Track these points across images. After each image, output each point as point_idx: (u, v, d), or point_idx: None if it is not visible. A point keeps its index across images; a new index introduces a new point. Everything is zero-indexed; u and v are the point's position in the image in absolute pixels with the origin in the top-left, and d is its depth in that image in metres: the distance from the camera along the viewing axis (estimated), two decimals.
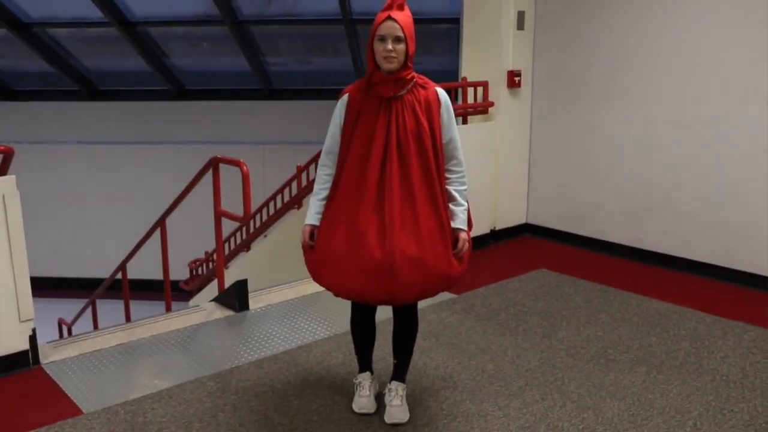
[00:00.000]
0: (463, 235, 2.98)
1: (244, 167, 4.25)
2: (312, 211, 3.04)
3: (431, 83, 2.97)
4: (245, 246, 7.91)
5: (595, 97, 5.71)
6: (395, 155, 2.84)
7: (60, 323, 8.56)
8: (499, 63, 5.85)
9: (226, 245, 8.54)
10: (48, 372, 3.72)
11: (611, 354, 3.88)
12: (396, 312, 3.17)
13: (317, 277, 3.04)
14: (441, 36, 9.83)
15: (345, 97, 2.97)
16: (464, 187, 3.02)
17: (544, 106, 6.10)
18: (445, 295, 4.78)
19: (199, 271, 9.00)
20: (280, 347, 4.00)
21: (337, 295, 3.01)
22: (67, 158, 11.65)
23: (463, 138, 5.65)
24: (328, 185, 3.00)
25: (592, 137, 5.78)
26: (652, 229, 5.49)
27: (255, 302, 4.65)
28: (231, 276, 5.11)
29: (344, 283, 2.92)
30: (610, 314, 4.46)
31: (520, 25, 5.87)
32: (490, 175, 5.94)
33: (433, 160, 2.88)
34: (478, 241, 5.91)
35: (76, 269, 11.59)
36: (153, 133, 11.51)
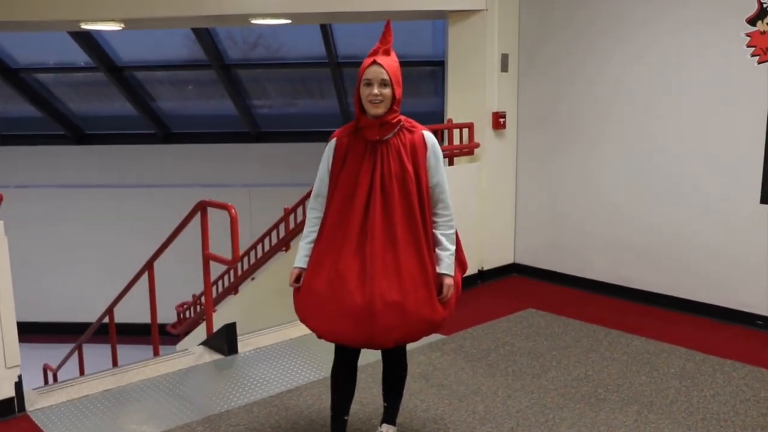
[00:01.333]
0: (448, 281, 2.95)
1: (233, 211, 4.27)
2: (300, 253, 3.04)
3: (419, 126, 2.98)
4: (233, 289, 7.87)
5: (579, 137, 5.80)
6: (379, 199, 2.85)
7: (45, 369, 8.45)
8: (484, 105, 5.93)
9: (214, 288, 8.51)
10: (34, 419, 3.67)
11: (602, 393, 3.88)
12: (384, 355, 3.15)
13: (302, 318, 3.03)
14: (426, 78, 9.97)
15: (333, 141, 2.99)
16: (451, 231, 3.00)
17: (529, 147, 6.17)
18: (434, 336, 4.77)
19: (187, 315, 8.93)
20: (269, 391, 3.97)
21: (319, 336, 2.98)
22: (54, 202, 11.60)
23: (449, 179, 5.68)
24: (317, 228, 3.00)
25: (577, 177, 5.85)
26: (639, 267, 5.52)
27: (244, 345, 4.62)
28: (219, 319, 5.08)
29: (325, 325, 2.91)
30: (600, 353, 4.47)
31: (504, 68, 5.97)
32: (476, 215, 5.98)
33: (417, 204, 2.88)
34: (466, 282, 5.91)
35: (62, 314, 11.45)
36: (140, 177, 11.51)
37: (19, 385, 3.73)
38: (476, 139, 5.96)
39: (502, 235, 6.30)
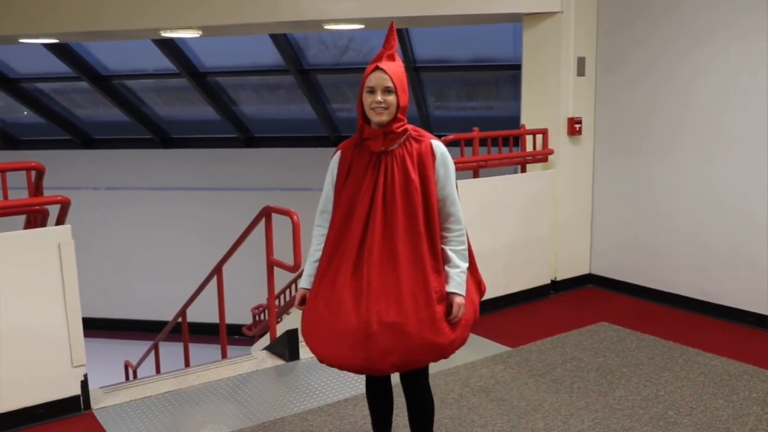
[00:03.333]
0: (458, 299, 2.71)
1: (295, 217, 4.26)
2: (305, 274, 2.93)
3: (427, 135, 2.79)
4: None
5: (660, 144, 5.53)
6: (380, 214, 2.69)
7: (126, 366, 8.73)
8: (559, 110, 5.75)
9: (287, 291, 8.60)
10: (98, 418, 3.77)
11: (672, 416, 3.66)
12: (404, 386, 2.93)
13: (306, 341, 2.87)
14: (506, 82, 9.78)
15: (337, 154, 2.87)
16: (462, 247, 2.78)
17: (606, 154, 5.94)
18: (499, 348, 4.65)
19: (262, 317, 9.06)
20: (327, 399, 3.94)
21: (320, 361, 2.83)
22: (141, 204, 12.01)
23: (522, 186, 5.63)
24: (322, 246, 2.87)
25: (657, 185, 5.58)
26: (722, 281, 5.21)
27: (306, 351, 4.61)
28: (290, 323, 5.10)
29: (324, 349, 2.77)
30: (674, 372, 4.23)
31: (581, 72, 5.77)
32: (550, 224, 5.79)
33: (422, 217, 2.69)
34: (538, 292, 5.76)
35: (146, 312, 11.82)
36: (222, 179, 11.78)
37: (84, 384, 3.84)
38: (550, 146, 5.78)
39: (578, 244, 6.09)
